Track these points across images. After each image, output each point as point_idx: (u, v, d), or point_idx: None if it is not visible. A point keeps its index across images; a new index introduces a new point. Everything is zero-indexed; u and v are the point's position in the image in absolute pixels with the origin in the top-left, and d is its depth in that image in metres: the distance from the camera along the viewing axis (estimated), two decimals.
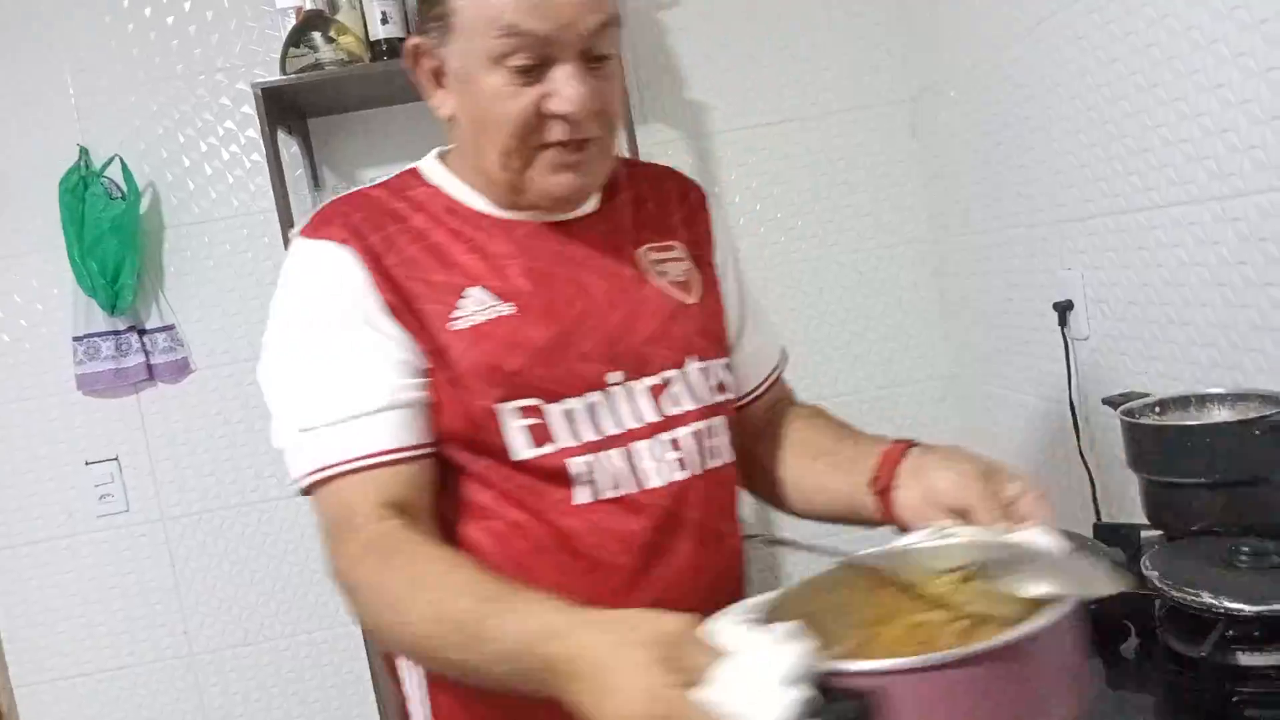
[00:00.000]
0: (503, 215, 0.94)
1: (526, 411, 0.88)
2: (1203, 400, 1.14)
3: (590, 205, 0.98)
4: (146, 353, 2.20)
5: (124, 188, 2.15)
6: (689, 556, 0.91)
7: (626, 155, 1.21)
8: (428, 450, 0.89)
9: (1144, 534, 1.10)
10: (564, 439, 0.88)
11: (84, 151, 2.15)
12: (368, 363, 0.87)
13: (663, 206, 1.03)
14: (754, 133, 2.31)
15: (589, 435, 0.89)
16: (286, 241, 2.02)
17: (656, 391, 0.92)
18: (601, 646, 0.61)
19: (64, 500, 2.23)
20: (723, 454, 0.98)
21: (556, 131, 0.87)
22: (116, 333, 2.18)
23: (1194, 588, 0.83)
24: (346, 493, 0.85)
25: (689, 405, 0.94)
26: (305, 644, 2.29)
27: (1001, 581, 0.67)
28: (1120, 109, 1.43)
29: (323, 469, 0.85)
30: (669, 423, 0.92)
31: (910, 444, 0.90)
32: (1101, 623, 0.90)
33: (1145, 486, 1.11)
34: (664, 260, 0.99)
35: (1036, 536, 0.72)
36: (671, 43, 2.29)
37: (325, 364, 0.88)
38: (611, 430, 0.90)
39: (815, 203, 2.33)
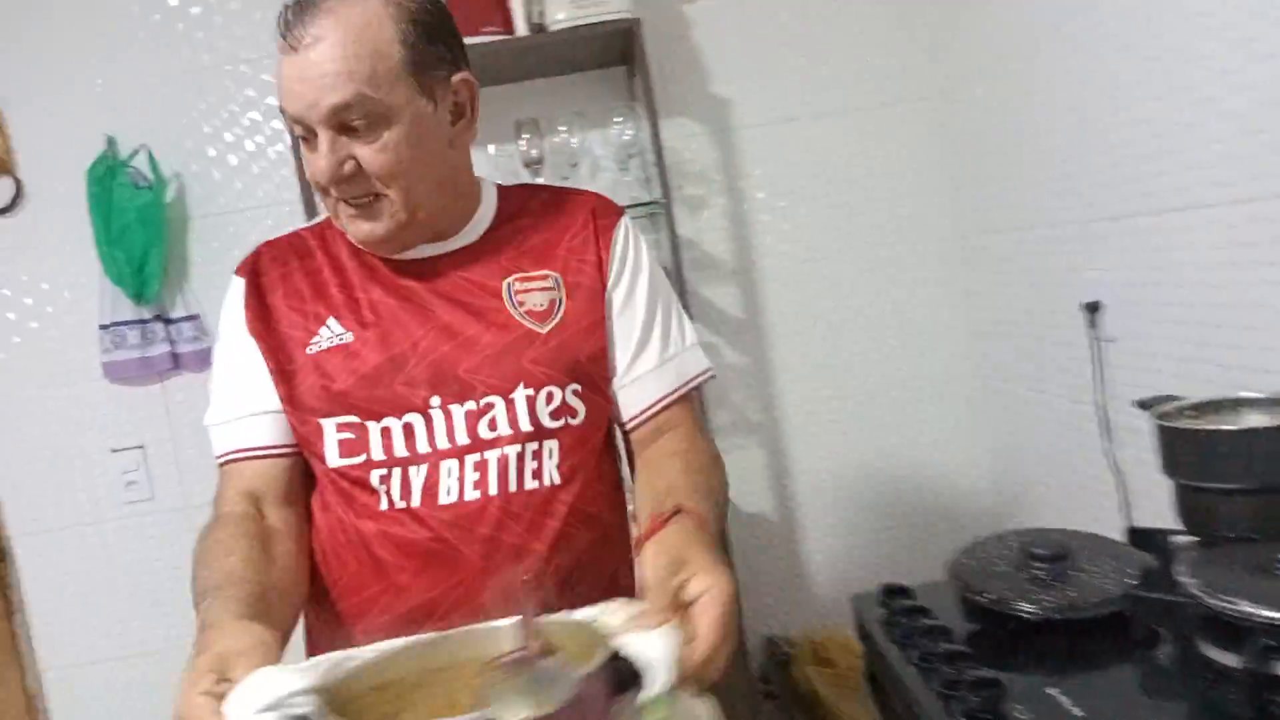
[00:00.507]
0: (387, 254, 1.07)
1: (344, 427, 1.02)
2: (1236, 404, 1.13)
3: (470, 237, 1.09)
4: (171, 342, 2.21)
5: (150, 177, 2.16)
6: (475, 569, 0.99)
7: (543, 181, 1.29)
8: (284, 450, 1.05)
9: (1175, 539, 1.09)
10: (375, 453, 1.01)
11: (111, 141, 2.17)
12: (240, 375, 1.06)
13: (551, 235, 1.10)
14: (779, 129, 2.30)
15: (400, 452, 1.00)
16: None
17: (473, 416, 1.01)
18: (201, 644, 0.78)
19: (90, 487, 2.25)
20: (550, 477, 1.02)
21: (334, 191, 0.99)
22: (142, 321, 2.19)
23: (1231, 595, 0.83)
24: (221, 480, 1.06)
25: (504, 430, 1.01)
26: None
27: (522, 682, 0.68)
28: (1152, 107, 1.42)
29: (216, 459, 1.07)
30: (477, 445, 1.00)
31: (674, 513, 0.89)
32: (1134, 628, 0.90)
33: (1179, 491, 1.10)
34: (528, 290, 1.07)
35: (643, 642, 0.71)
36: (696, 36, 2.29)
37: (217, 374, 1.09)
38: (422, 449, 1.00)
39: (840, 200, 2.32)
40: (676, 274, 2.05)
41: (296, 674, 0.70)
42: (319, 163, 0.96)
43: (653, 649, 0.70)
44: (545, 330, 1.04)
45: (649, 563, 0.79)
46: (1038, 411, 1.99)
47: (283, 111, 0.97)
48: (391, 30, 0.95)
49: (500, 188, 1.15)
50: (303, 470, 1.08)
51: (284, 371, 1.04)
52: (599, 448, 1.08)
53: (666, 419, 1.10)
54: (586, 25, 2.01)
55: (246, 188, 2.25)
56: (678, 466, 1.00)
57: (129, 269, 2.12)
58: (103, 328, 2.19)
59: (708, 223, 2.31)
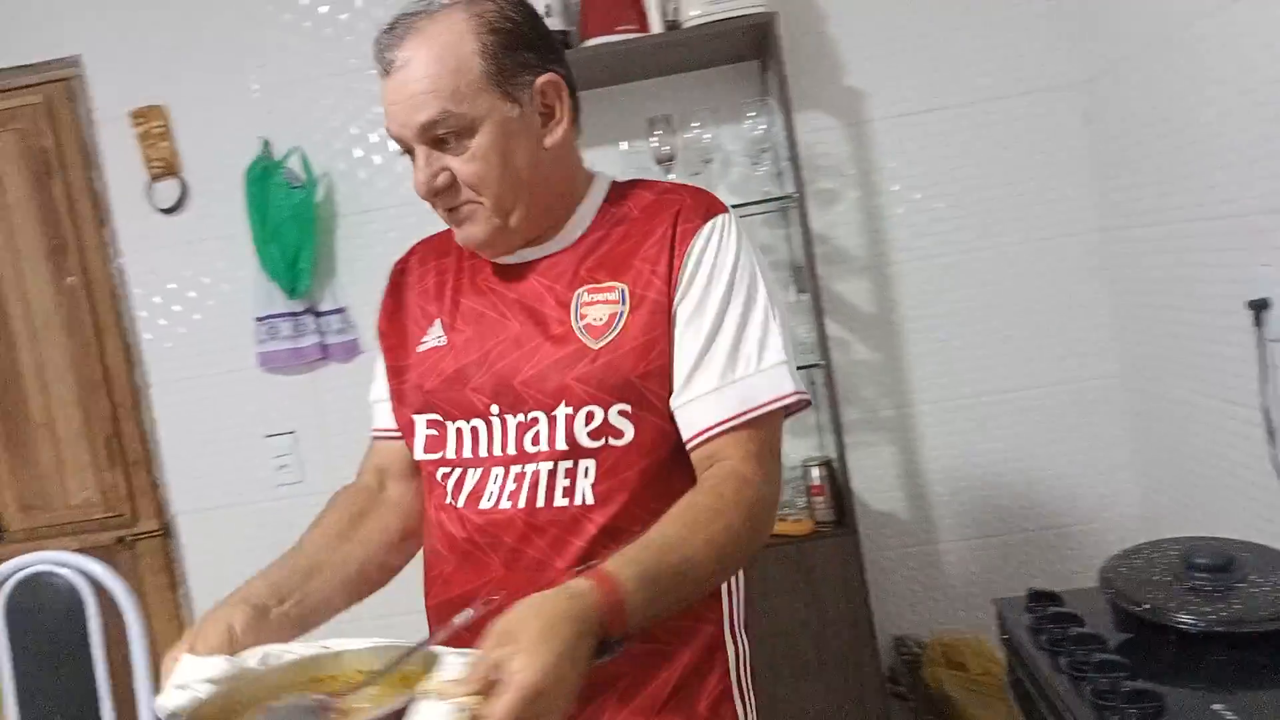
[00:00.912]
0: (493, 258, 1.11)
1: (430, 424, 1.10)
2: None
3: (566, 240, 1.09)
4: (321, 333, 2.33)
5: (303, 177, 2.27)
6: (499, 575, 1.02)
7: (656, 179, 1.17)
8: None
9: None
10: (449, 451, 1.08)
11: (266, 143, 2.29)
12: (381, 362, 1.18)
13: (633, 242, 1.06)
14: (914, 120, 2.26)
15: (465, 454, 1.07)
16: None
17: (521, 429, 1.03)
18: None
19: (246, 469, 2.40)
20: (583, 497, 1.00)
21: (435, 202, 1.05)
22: (294, 314, 2.32)
23: None
24: (366, 452, 1.21)
25: (544, 446, 1.02)
26: None
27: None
28: None
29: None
30: (520, 458, 1.03)
31: (579, 571, 0.86)
32: None
33: None
34: (593, 302, 1.05)
35: (427, 710, 0.72)
36: (830, 28, 2.26)
37: (379, 359, 1.19)
38: (481, 454, 1.05)
39: (977, 192, 2.26)
40: (809, 269, 2.03)
41: (210, 665, 0.87)
42: (417, 177, 1.02)
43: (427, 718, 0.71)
44: (597, 347, 1.02)
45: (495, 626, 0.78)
46: (1192, 414, 1.90)
47: (388, 130, 1.03)
48: (472, 44, 0.99)
49: (614, 186, 1.12)
50: None
51: (397, 368, 1.14)
52: (652, 469, 1.02)
53: (718, 448, 1.00)
54: (721, 20, 2.01)
55: (390, 186, 2.35)
56: (679, 510, 0.94)
57: (283, 264, 2.24)
58: (258, 320, 2.32)
59: (841, 216, 2.28)
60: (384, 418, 1.17)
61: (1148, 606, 1.16)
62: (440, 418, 1.08)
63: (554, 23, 2.08)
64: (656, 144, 2.11)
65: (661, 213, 1.06)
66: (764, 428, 1.01)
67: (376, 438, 1.19)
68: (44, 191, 2.41)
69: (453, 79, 0.98)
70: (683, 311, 1.02)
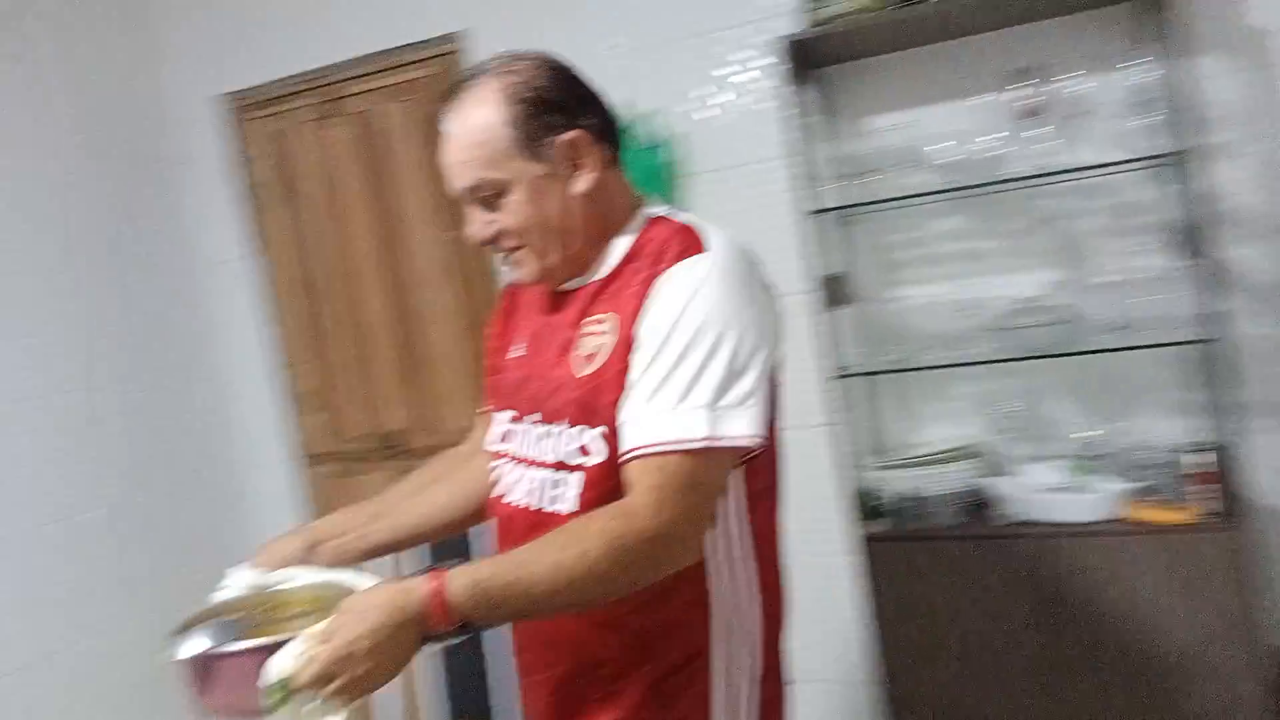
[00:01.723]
0: (544, 289, 1.27)
1: (499, 420, 1.30)
2: None
3: (598, 274, 1.19)
4: None
5: (658, 137, 2.38)
6: None
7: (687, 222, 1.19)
8: None
9: None
10: (505, 445, 1.27)
11: (625, 104, 2.41)
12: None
13: (631, 278, 1.15)
14: None
15: (514, 451, 1.25)
16: (795, 189, 2.13)
17: (540, 438, 1.20)
18: None
19: None
20: (567, 504, 1.15)
21: (489, 248, 1.22)
22: None
23: None
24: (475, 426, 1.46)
25: (547, 456, 1.18)
26: None
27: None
28: None
29: None
30: (534, 463, 1.20)
31: (427, 570, 1.02)
32: None
33: None
34: (589, 334, 1.16)
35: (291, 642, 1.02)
36: None
37: None
38: (515, 453, 1.24)
39: None
40: (1196, 232, 1.84)
41: (244, 577, 1.28)
42: (469, 229, 1.21)
43: (290, 647, 1.00)
44: (580, 375, 1.15)
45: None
46: None
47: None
48: (500, 116, 1.14)
49: (649, 222, 1.19)
50: None
51: (492, 364, 1.37)
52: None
53: (630, 473, 1.07)
54: None
55: (737, 146, 2.38)
56: (551, 533, 1.05)
57: None
58: None
59: (1240, 173, 2.02)
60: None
61: None
62: (510, 415, 1.27)
63: None
64: (1020, 97, 1.99)
65: (659, 251, 1.14)
66: (675, 465, 1.04)
67: (481, 413, 1.41)
68: (431, 155, 2.70)
69: (485, 150, 1.14)
70: (636, 343, 1.10)
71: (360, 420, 2.90)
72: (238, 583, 1.27)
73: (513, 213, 1.17)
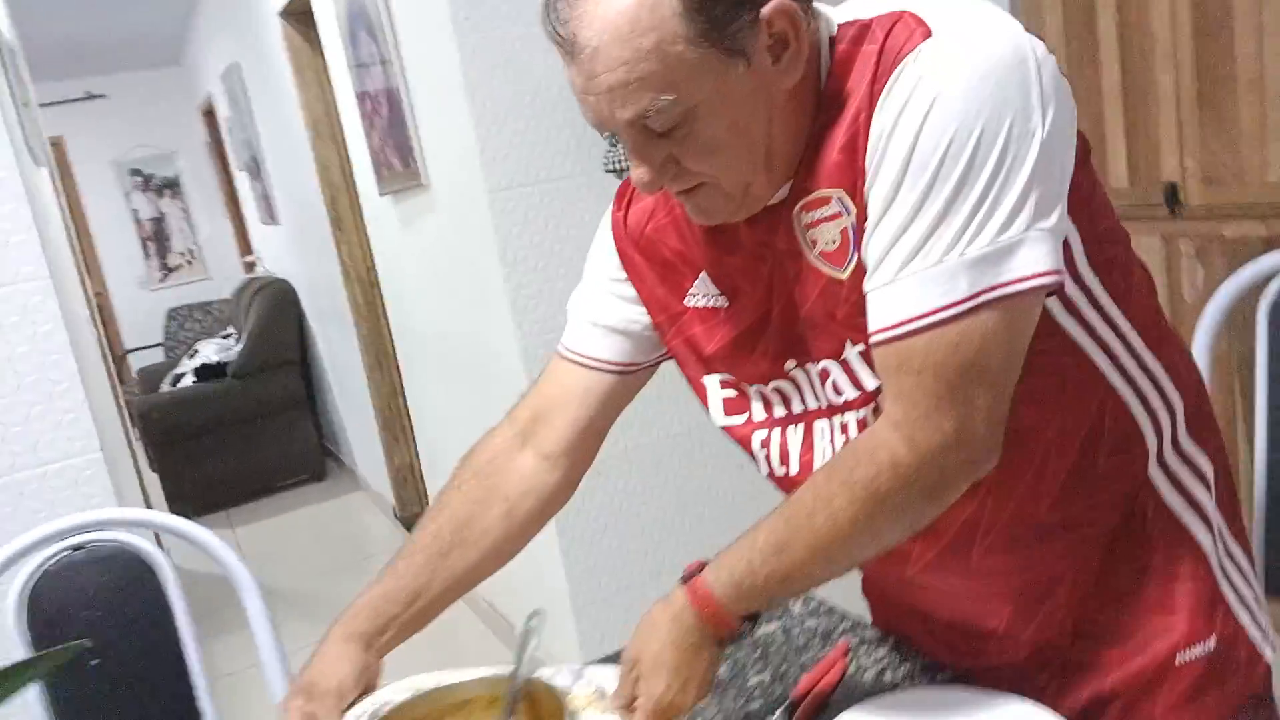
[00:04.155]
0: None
1: (726, 384, 0.99)
2: None
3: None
4: None
5: None
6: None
7: None
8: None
9: None
10: (757, 413, 0.97)
11: None
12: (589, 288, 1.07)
13: (834, 128, 0.81)
14: None
15: (779, 412, 0.96)
16: None
17: (823, 377, 0.90)
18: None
19: None
20: None
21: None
22: None
23: None
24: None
25: (850, 394, 0.89)
26: None
27: None
28: None
29: None
30: (839, 408, 0.90)
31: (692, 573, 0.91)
32: None
33: None
34: (816, 221, 0.84)
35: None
36: None
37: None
38: (796, 409, 0.94)
39: None
40: None
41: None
42: (635, 172, 0.85)
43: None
44: (845, 275, 0.83)
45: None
46: None
47: (585, 117, 0.84)
48: (670, 3, 0.75)
49: (840, 38, 0.82)
50: None
51: (668, 316, 1.04)
52: None
53: (881, 367, 0.81)
54: None
55: None
56: (793, 497, 0.86)
57: None
58: None
59: None
60: (584, 339, 1.07)
61: None
62: (733, 378, 0.99)
63: None
64: None
65: (865, 71, 0.79)
66: (923, 350, 0.76)
67: (565, 357, 1.08)
68: None
69: (656, 61, 0.76)
70: (874, 197, 0.78)
71: (1131, 167, 2.33)
72: None
73: (704, 147, 0.81)
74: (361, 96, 3.04)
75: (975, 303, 0.75)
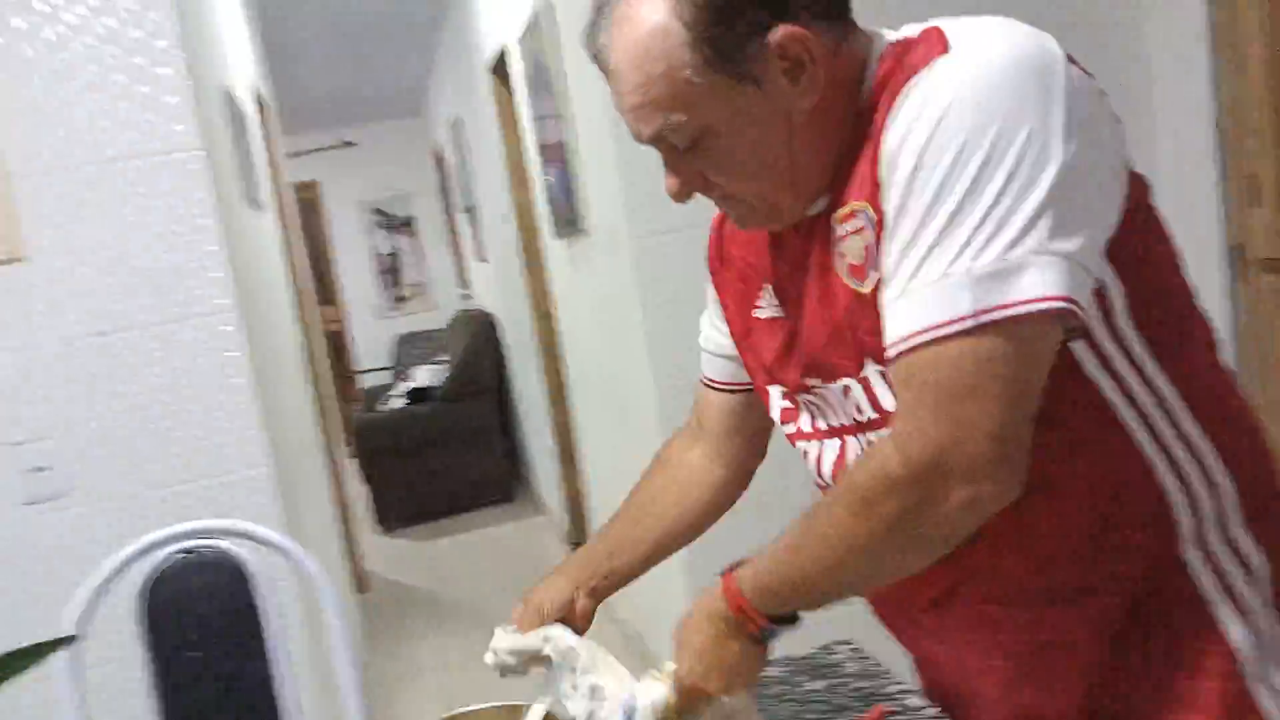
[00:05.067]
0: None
1: (785, 395, 1.00)
2: None
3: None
4: None
5: None
6: None
7: None
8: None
9: None
10: (804, 423, 0.99)
11: None
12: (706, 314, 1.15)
13: (866, 143, 0.82)
14: None
15: (821, 424, 0.96)
16: None
17: (845, 393, 0.91)
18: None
19: None
20: None
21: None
22: None
23: None
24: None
25: (871, 413, 0.88)
26: None
27: None
28: None
29: None
30: (865, 426, 0.90)
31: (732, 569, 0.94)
32: None
33: None
34: (845, 234, 0.85)
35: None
36: None
37: None
38: (832, 423, 0.95)
39: None
40: None
41: (505, 639, 1.14)
42: (667, 183, 0.91)
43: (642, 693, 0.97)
44: (866, 289, 0.82)
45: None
46: None
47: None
48: (678, 34, 0.80)
49: (885, 56, 0.84)
50: None
51: (742, 329, 1.06)
52: None
53: (893, 381, 0.80)
54: None
55: None
56: (828, 495, 0.87)
57: None
58: None
59: None
60: (706, 363, 1.16)
61: None
62: (780, 390, 1.01)
63: None
64: None
65: (890, 90, 0.80)
66: (926, 366, 0.75)
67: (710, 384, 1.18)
68: None
69: (666, 85, 0.82)
70: (888, 209, 0.79)
71: None
72: (500, 646, 1.13)
73: (720, 165, 0.86)
74: (542, 146, 3.28)
75: (977, 322, 0.72)
